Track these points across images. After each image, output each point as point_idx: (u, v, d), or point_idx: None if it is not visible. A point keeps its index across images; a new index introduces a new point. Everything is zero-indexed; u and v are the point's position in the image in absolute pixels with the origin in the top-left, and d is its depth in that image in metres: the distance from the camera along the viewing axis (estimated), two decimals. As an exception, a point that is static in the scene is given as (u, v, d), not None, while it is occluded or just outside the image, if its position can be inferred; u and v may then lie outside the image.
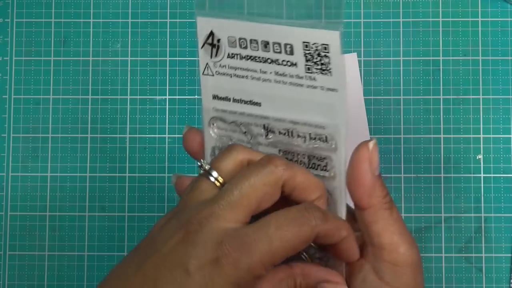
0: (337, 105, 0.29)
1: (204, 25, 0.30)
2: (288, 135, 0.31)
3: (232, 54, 0.31)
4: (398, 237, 0.31)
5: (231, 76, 0.31)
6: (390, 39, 0.50)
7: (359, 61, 0.50)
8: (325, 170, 0.31)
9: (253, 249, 0.27)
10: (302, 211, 0.28)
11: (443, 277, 0.49)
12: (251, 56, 0.30)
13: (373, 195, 0.31)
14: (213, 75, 0.32)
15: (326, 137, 0.30)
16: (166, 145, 0.50)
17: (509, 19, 0.50)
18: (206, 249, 0.27)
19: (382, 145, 0.50)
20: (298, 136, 0.31)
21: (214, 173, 0.30)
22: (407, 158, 0.50)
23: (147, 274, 0.28)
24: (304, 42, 0.28)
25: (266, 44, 0.30)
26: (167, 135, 0.50)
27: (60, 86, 0.51)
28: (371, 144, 0.31)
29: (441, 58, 0.50)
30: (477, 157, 0.50)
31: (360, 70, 0.50)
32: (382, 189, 0.31)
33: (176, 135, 0.50)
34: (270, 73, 0.30)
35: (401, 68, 0.50)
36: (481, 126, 0.50)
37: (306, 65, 0.29)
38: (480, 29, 0.50)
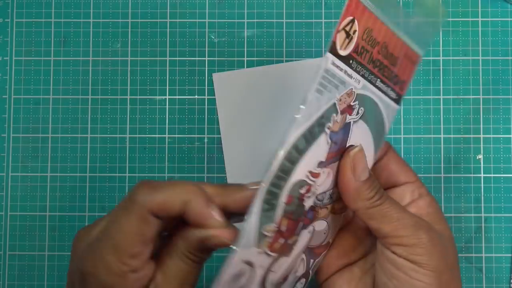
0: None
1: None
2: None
3: None
4: (396, 223, 0.32)
5: None
6: (390, 39, 0.50)
7: (359, 61, 0.50)
8: None
9: None
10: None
11: (443, 277, 0.49)
12: None
13: (358, 199, 0.32)
14: None
15: None
16: (166, 145, 0.50)
17: (509, 19, 0.50)
18: None
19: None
20: None
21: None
22: (407, 158, 0.50)
23: None
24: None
25: None
26: (167, 135, 0.50)
27: (60, 86, 0.51)
28: (352, 153, 0.32)
29: (441, 58, 0.50)
30: (477, 157, 0.50)
31: (360, 70, 0.50)
32: (369, 191, 0.32)
33: (176, 135, 0.50)
34: None
35: (401, 68, 0.50)
36: (481, 126, 0.50)
37: None
38: (480, 29, 0.50)
